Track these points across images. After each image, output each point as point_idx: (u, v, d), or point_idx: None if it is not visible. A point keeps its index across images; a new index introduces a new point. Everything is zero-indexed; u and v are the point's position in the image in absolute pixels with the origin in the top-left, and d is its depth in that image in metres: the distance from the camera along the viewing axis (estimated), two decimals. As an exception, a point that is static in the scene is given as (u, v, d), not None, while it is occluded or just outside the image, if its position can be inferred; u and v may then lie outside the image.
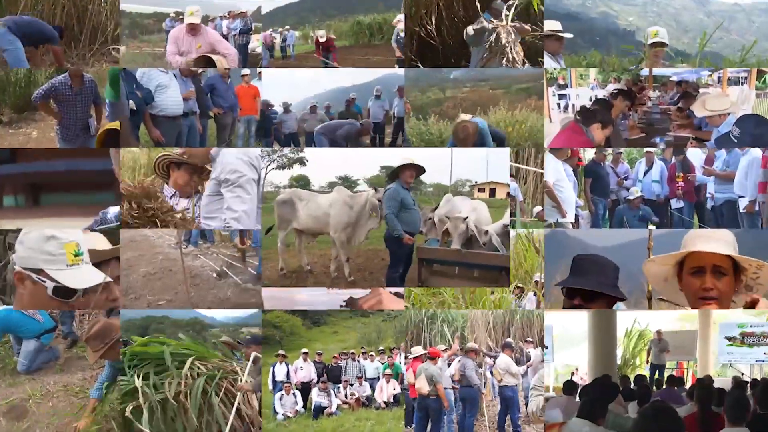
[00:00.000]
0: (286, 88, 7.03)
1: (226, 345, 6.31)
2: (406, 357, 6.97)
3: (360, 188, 6.95)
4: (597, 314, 7.33)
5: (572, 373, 9.21)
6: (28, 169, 6.80)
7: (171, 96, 6.55)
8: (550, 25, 6.78)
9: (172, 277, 6.30)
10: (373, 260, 7.53)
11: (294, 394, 7.03)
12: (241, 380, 5.81)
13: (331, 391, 7.13)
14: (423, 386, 6.41)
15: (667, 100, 6.75)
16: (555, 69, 6.83)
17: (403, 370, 7.01)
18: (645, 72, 6.83)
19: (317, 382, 7.17)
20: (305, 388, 7.17)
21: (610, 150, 6.71)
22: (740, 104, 6.54)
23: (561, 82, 6.92)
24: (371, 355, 7.46)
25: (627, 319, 9.25)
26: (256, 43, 7.34)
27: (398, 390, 7.05)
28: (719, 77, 6.69)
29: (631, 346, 9.47)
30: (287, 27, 7.64)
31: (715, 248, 3.29)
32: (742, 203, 6.26)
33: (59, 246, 3.39)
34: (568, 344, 9.28)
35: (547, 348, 7.45)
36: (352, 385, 7.25)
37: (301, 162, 7.07)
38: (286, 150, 7.04)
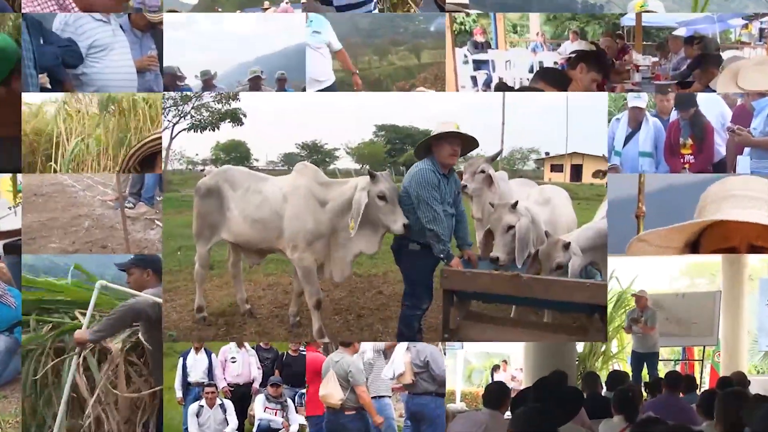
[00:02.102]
0: (204, 45, 5.16)
1: None
2: (306, 343, 5.40)
3: (339, 166, 5.74)
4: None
5: (495, 368, 7.36)
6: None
7: (115, 63, 4.60)
8: None
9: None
10: (364, 293, 5.93)
11: (222, 405, 5.34)
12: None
13: (289, 402, 5.55)
14: (332, 392, 4.72)
15: (669, 69, 5.09)
16: (467, 15, 5.03)
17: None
18: (628, 21, 5.12)
19: (263, 384, 5.64)
20: (241, 395, 5.61)
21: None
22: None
23: (479, 38, 5.29)
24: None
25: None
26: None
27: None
28: (762, 29, 5.14)
29: (601, 320, 7.58)
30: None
31: (752, 217, 2.23)
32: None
33: None
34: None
35: None
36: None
37: (235, 117, 5.55)
38: (208, 97, 5.51)
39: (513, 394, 4.14)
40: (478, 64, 5.25)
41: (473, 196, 4.98)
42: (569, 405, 3.76)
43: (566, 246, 4.31)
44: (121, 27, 4.74)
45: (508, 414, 3.98)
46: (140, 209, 5.51)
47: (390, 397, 5.06)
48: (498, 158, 5.36)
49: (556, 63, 5.16)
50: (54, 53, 4.45)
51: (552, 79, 4.68)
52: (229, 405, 5.45)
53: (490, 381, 5.63)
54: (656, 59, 5.16)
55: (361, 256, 4.77)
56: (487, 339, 4.53)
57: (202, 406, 5.34)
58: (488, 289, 4.30)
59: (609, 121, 5.08)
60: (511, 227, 4.34)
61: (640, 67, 5.09)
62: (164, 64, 4.88)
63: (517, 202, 4.44)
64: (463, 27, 5.13)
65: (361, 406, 4.75)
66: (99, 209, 5.38)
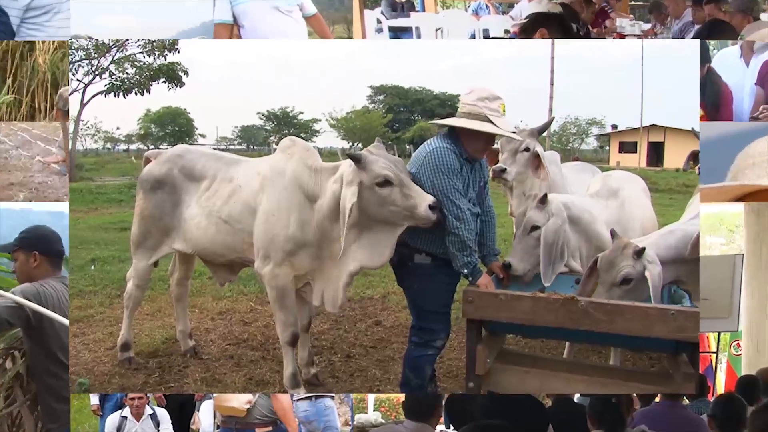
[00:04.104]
0: (129, 9, 4.09)
1: None
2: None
3: (320, 143, 5.26)
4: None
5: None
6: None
7: (63, 32, 3.83)
8: None
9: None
10: (356, 325, 4.93)
11: (153, 416, 4.39)
12: None
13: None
14: (233, 394, 3.60)
15: (670, 38, 4.05)
16: None
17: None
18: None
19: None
20: (181, 402, 4.74)
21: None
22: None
23: None
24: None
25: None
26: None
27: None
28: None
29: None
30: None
31: None
32: None
33: None
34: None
35: None
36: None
37: (172, 75, 4.77)
38: (134, 46, 4.26)
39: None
40: (397, 33, 4.04)
41: (513, 184, 3.92)
42: (531, 418, 2.72)
43: (638, 253, 3.16)
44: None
45: (440, 427, 3.24)
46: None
47: (333, 398, 4.00)
48: (546, 132, 3.95)
49: (507, 32, 3.95)
50: None
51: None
52: (164, 415, 4.47)
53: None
54: (649, 26, 4.04)
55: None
56: (530, 390, 3.20)
57: (126, 418, 4.35)
58: (531, 319, 3.13)
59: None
60: (535, 228, 3.37)
61: (625, 35, 3.97)
62: (71, 33, 3.86)
63: (546, 195, 3.43)
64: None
65: (278, 419, 3.59)
66: (39, 175, 4.21)
